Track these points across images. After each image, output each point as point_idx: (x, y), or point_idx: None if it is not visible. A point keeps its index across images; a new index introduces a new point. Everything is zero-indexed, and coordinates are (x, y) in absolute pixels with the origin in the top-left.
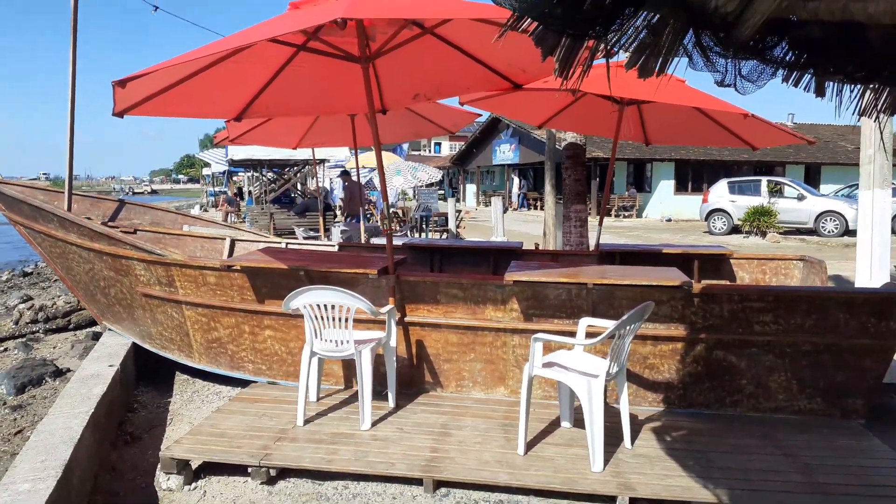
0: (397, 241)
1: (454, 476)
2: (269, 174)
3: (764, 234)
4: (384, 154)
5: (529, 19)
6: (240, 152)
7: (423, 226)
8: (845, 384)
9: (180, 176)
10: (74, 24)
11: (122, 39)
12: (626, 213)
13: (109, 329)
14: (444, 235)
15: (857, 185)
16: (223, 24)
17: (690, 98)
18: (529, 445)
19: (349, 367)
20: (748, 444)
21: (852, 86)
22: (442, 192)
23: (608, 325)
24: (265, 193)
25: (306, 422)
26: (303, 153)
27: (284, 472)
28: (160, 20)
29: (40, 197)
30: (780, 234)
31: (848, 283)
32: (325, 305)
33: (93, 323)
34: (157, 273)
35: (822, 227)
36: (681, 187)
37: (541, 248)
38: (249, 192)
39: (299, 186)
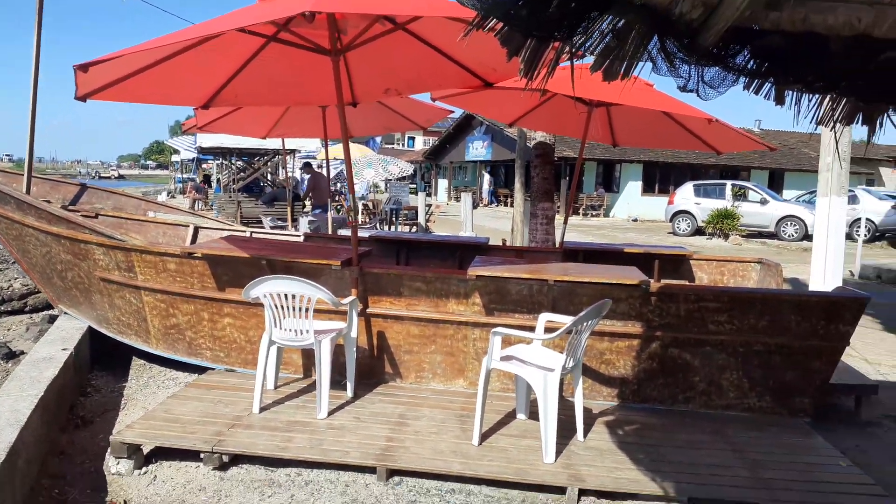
0: (364, 233)
1: (408, 465)
2: (239, 163)
3: (727, 237)
4: (356, 146)
5: (495, 19)
6: (209, 140)
7: (394, 219)
8: (794, 384)
9: (149, 162)
10: (40, 4)
11: (94, 19)
12: (594, 213)
13: (65, 313)
14: (414, 229)
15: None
16: (193, 13)
17: (657, 102)
18: (484, 436)
19: (309, 356)
20: (699, 439)
21: (811, 95)
22: (414, 185)
23: (567, 320)
24: (234, 182)
25: (262, 409)
26: (273, 143)
27: (237, 459)
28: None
29: None
30: (743, 236)
31: (804, 286)
32: (286, 295)
33: (50, 306)
34: (116, 258)
35: (783, 231)
36: (648, 188)
37: (508, 244)
38: (218, 180)
39: (269, 176)
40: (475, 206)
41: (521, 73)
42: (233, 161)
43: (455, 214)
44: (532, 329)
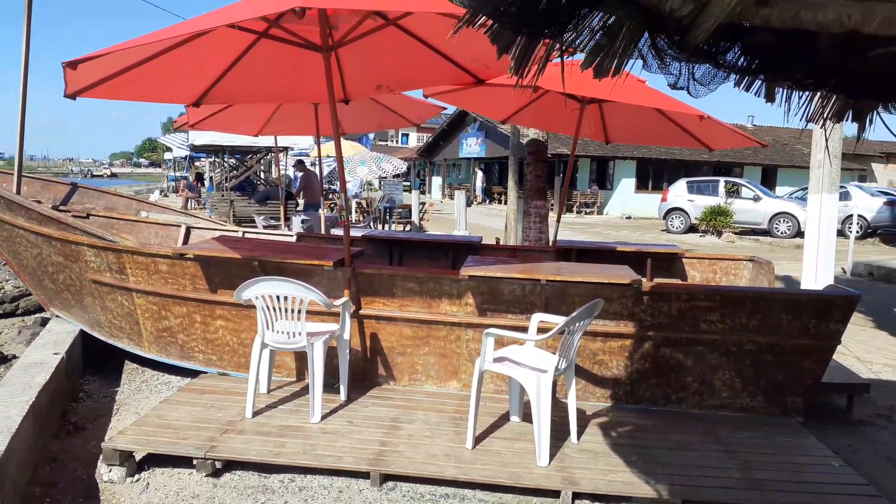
0: (357, 233)
1: (401, 470)
2: (231, 160)
3: (720, 234)
4: (349, 143)
5: (484, 16)
6: (201, 137)
7: (387, 217)
8: (786, 383)
9: (141, 160)
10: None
11: (87, 14)
12: (588, 210)
13: (57, 316)
14: (407, 228)
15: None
16: (183, 6)
17: (650, 99)
18: (478, 439)
19: (302, 359)
20: (691, 440)
21: (801, 92)
22: (408, 183)
23: (560, 320)
24: (226, 180)
25: (255, 414)
26: (265, 140)
27: (230, 465)
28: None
29: None
30: (736, 233)
31: (797, 284)
32: (278, 297)
33: (42, 309)
34: (107, 259)
35: (776, 228)
36: (641, 186)
37: (501, 242)
38: (210, 179)
39: (262, 174)
40: (469, 204)
41: (511, 70)
42: (225, 158)
43: (449, 212)
44: (525, 329)
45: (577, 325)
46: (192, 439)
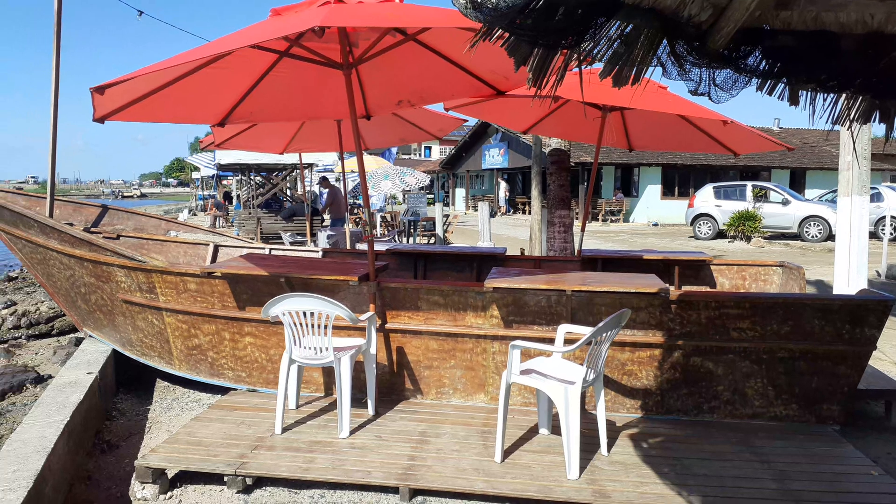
0: (382, 247)
1: (430, 484)
2: (257, 178)
3: (749, 239)
4: (372, 158)
5: (500, 29)
6: (227, 157)
7: (412, 230)
8: (820, 390)
9: (170, 179)
10: (58, 26)
11: (114, 40)
12: (614, 218)
13: (90, 336)
14: (432, 240)
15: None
16: (208, 29)
17: (672, 105)
18: (507, 453)
19: (329, 374)
20: (724, 450)
21: (825, 94)
22: (432, 196)
23: (586, 331)
24: (253, 198)
25: (285, 430)
26: (290, 157)
27: (261, 481)
28: (147, 24)
29: (21, 203)
30: (765, 238)
31: (828, 289)
32: (305, 312)
33: (76, 329)
34: (137, 279)
35: (806, 231)
36: (667, 192)
37: (526, 252)
38: (237, 196)
39: (288, 191)
40: (493, 215)
41: (529, 82)
42: (251, 177)
43: (473, 224)
44: (552, 341)
45: (604, 335)
46: (222, 456)
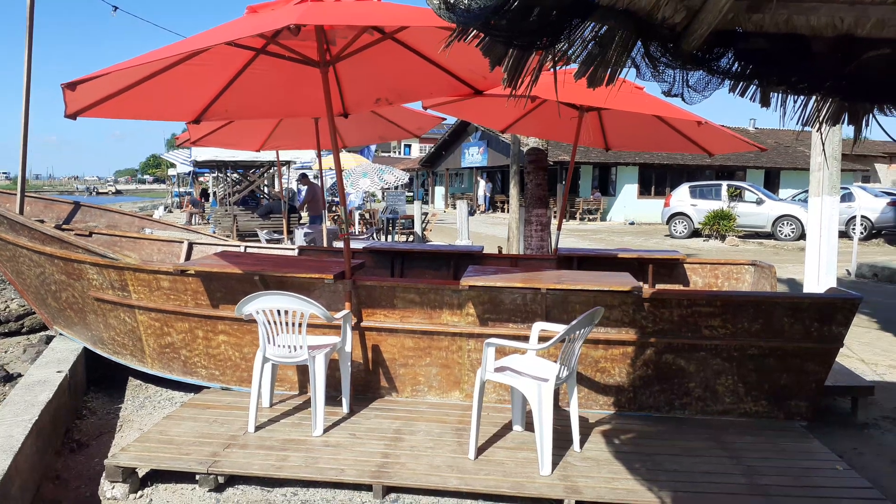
0: (359, 245)
1: (404, 482)
2: (234, 175)
3: (723, 238)
4: (351, 156)
5: (475, 30)
6: (203, 153)
7: (391, 228)
8: (789, 387)
9: (146, 176)
10: (30, 19)
11: (90, 35)
12: (591, 217)
13: (61, 334)
14: (410, 238)
15: None
16: (184, 25)
17: (648, 105)
18: (480, 450)
19: (304, 372)
20: (695, 446)
21: (796, 96)
22: (411, 194)
23: (561, 329)
24: (230, 195)
25: (258, 428)
26: (268, 154)
27: (233, 479)
28: (123, 20)
29: None
30: (740, 237)
31: (800, 287)
32: (279, 311)
33: (47, 327)
34: (109, 277)
35: (780, 230)
36: (644, 191)
37: (504, 251)
38: (214, 194)
39: (265, 188)
40: (472, 213)
41: (504, 82)
42: (228, 174)
43: (452, 222)
44: (527, 338)
45: (577, 333)
46: (194, 454)
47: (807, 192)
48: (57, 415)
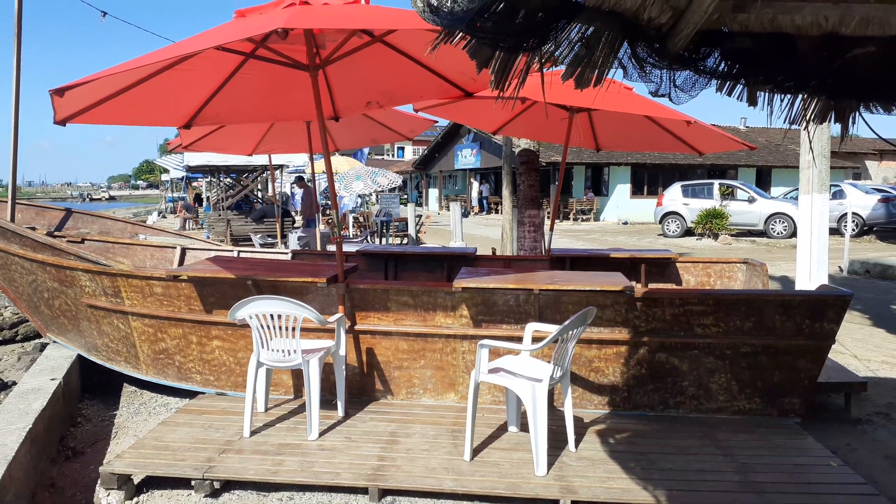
0: (353, 248)
1: (400, 484)
2: (227, 180)
3: (716, 237)
4: (344, 159)
5: (461, 33)
6: (196, 158)
7: (385, 231)
8: (782, 384)
9: (139, 182)
10: (19, 24)
11: (80, 41)
12: (584, 217)
13: (54, 341)
14: (404, 241)
15: None
16: (174, 30)
17: (638, 105)
18: (476, 451)
19: (298, 376)
20: (689, 444)
21: (783, 95)
22: (405, 196)
23: (554, 329)
24: (223, 200)
25: (253, 433)
26: (261, 158)
27: (229, 485)
28: (112, 25)
29: None
30: (732, 235)
31: (792, 284)
32: (272, 315)
33: (41, 334)
34: (102, 283)
35: (772, 228)
36: (637, 191)
37: (498, 252)
38: (207, 199)
39: (259, 193)
40: (466, 215)
41: (492, 84)
42: (221, 178)
43: (446, 224)
44: (520, 339)
45: (570, 333)
46: (189, 460)
47: (797, 189)
48: (51, 422)
